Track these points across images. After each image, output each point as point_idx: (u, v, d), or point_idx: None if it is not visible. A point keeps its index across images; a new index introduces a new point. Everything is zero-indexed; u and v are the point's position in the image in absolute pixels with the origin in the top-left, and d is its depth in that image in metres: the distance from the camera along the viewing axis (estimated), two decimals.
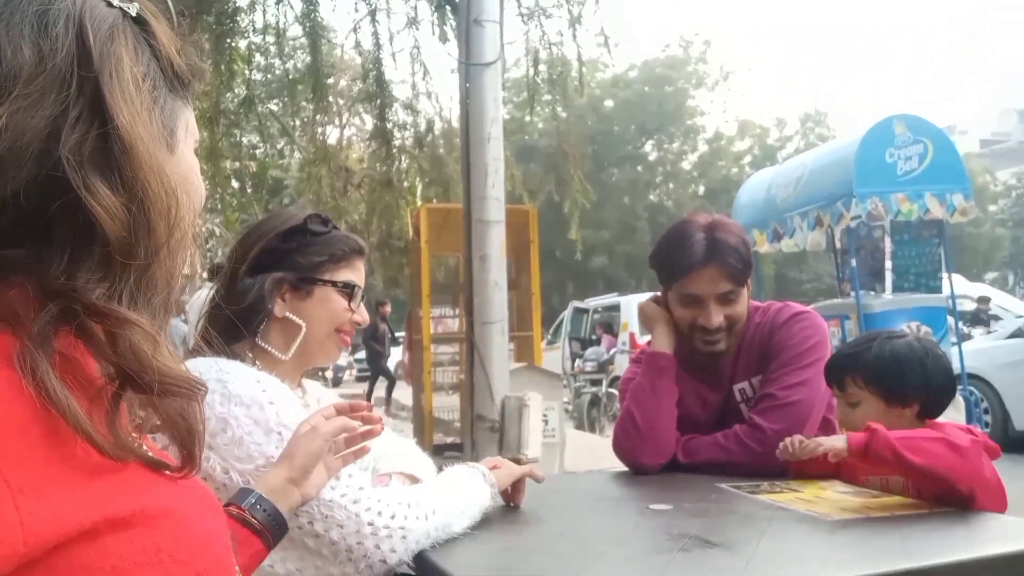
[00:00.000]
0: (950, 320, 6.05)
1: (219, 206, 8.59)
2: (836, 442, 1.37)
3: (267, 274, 1.29)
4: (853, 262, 6.08)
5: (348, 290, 1.34)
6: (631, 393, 1.86)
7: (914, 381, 1.46)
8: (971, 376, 6.62)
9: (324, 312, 1.32)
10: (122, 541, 0.49)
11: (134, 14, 0.58)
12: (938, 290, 6.20)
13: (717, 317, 1.74)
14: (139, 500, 0.52)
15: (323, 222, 1.36)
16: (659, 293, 1.91)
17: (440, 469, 1.43)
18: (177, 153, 0.61)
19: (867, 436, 1.34)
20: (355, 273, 1.37)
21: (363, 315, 1.38)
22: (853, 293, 5.98)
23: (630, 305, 11.59)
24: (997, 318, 10.37)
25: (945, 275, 6.28)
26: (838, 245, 6.79)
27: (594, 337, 12.13)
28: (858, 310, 5.80)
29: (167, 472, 0.56)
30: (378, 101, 6.64)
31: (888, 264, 6.28)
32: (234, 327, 1.27)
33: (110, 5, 0.57)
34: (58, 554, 0.47)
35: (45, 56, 0.52)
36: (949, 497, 1.32)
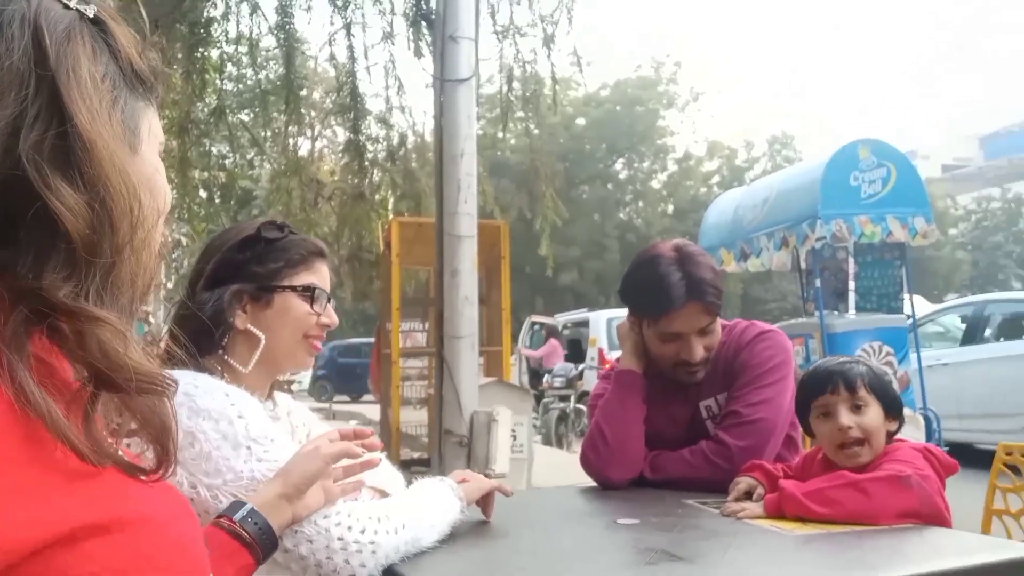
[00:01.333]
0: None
1: (186, 216, 8.49)
2: (755, 508, 1.41)
3: (226, 287, 1.28)
4: (817, 282, 6.18)
5: (309, 293, 1.32)
6: (600, 409, 1.88)
7: (898, 397, 1.51)
8: None
9: (288, 320, 1.31)
10: (100, 547, 0.49)
11: (91, 15, 0.58)
12: (899, 311, 6.33)
13: (699, 350, 1.77)
14: (117, 506, 0.52)
15: (278, 228, 1.35)
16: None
17: (409, 483, 1.43)
18: (140, 154, 0.61)
19: (778, 496, 1.39)
20: (315, 275, 1.35)
21: (331, 317, 1.36)
22: (817, 313, 6.08)
23: (599, 321, 11.66)
24: None
25: (907, 296, 6.41)
26: (803, 265, 6.91)
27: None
28: (822, 329, 5.90)
29: (144, 476, 0.56)
30: (351, 114, 6.64)
31: (851, 285, 6.40)
32: (196, 342, 1.26)
33: (66, 7, 0.57)
34: (36, 560, 0.46)
35: (1, 56, 0.53)
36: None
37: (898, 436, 1.53)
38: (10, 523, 0.45)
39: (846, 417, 1.44)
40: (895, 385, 1.54)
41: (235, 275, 1.30)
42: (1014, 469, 1.87)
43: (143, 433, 0.57)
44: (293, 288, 1.31)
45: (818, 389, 1.50)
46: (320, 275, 1.36)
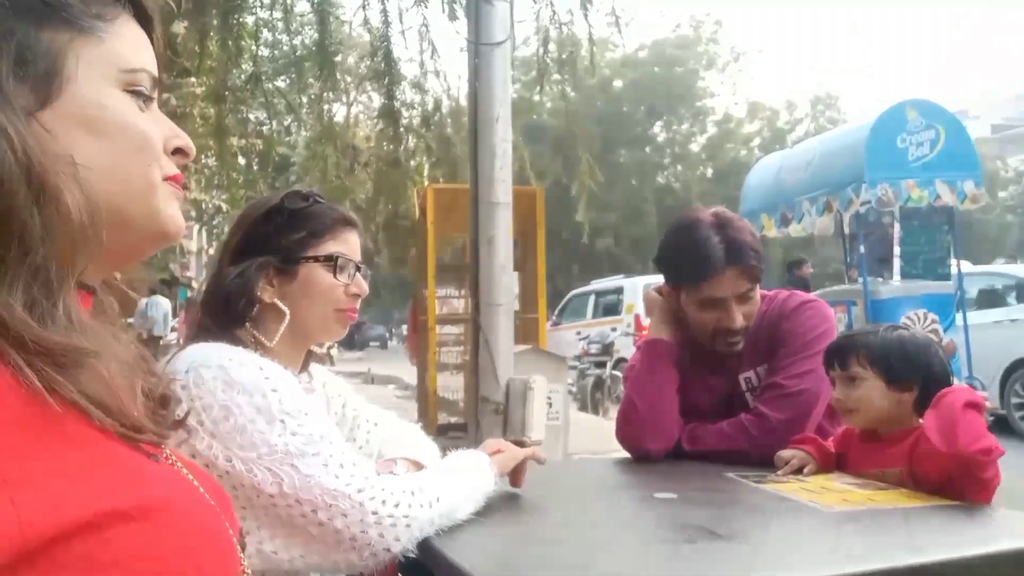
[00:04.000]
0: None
1: (224, 183, 8.57)
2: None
3: (252, 260, 1.27)
4: (861, 248, 6.05)
5: (332, 263, 1.30)
6: (631, 380, 1.86)
7: (917, 365, 1.47)
8: None
9: (314, 292, 1.29)
10: (123, 534, 0.49)
11: None
12: (947, 277, 6.16)
13: (738, 318, 1.73)
14: (139, 492, 0.51)
15: (303, 198, 1.32)
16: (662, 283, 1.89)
17: (445, 451, 1.42)
18: (66, 96, 0.54)
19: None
20: (342, 245, 1.32)
21: (360, 287, 1.33)
22: (860, 279, 5.95)
23: (635, 287, 11.58)
24: None
25: (954, 262, 6.24)
26: (846, 231, 6.76)
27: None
28: (865, 296, 5.78)
29: (159, 442, 0.55)
30: (386, 79, 6.58)
31: (896, 251, 6.24)
32: (226, 315, 1.26)
33: None
34: (58, 547, 0.46)
35: None
36: (945, 488, 1.32)
37: None
38: (29, 511, 0.45)
39: (838, 390, 1.54)
40: (923, 354, 1.48)
41: (261, 248, 1.29)
42: None
43: (100, 411, 0.51)
44: (316, 259, 1.29)
45: (826, 365, 1.59)
46: (347, 244, 1.33)
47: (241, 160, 9.24)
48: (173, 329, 11.76)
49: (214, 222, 14.46)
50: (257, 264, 1.28)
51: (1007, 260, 14.39)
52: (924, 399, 1.47)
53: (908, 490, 1.38)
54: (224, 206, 12.39)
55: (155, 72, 0.61)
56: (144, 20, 0.61)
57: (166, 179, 0.60)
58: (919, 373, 1.47)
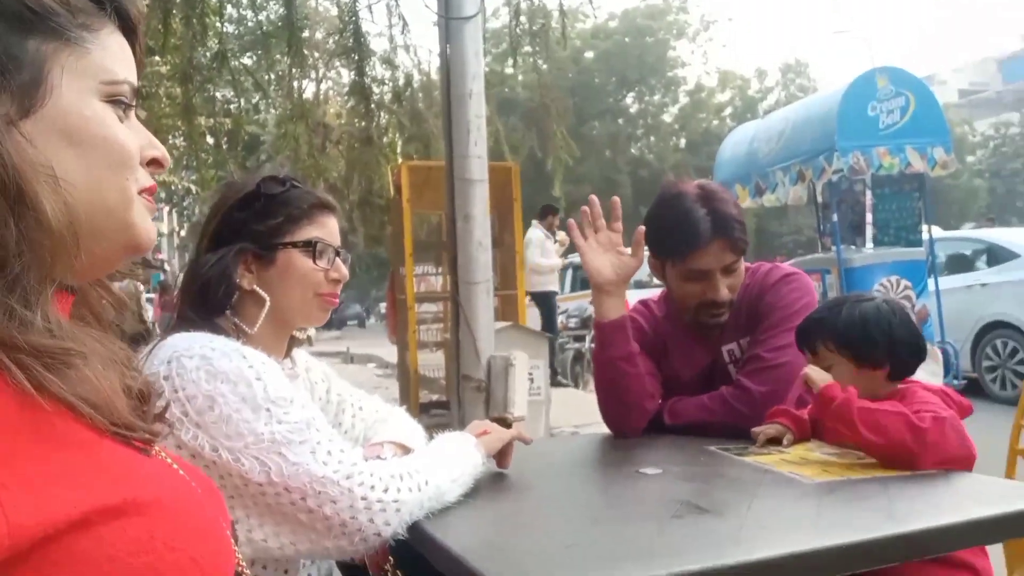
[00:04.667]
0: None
1: (195, 164, 8.43)
2: (817, 376, 1.43)
3: (230, 247, 1.26)
4: (834, 216, 6.11)
5: (311, 248, 1.29)
6: (595, 371, 1.87)
7: (881, 342, 1.47)
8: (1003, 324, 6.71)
9: (293, 278, 1.28)
10: (116, 530, 0.49)
11: None
12: (918, 244, 6.25)
13: (723, 290, 1.75)
14: (130, 488, 0.52)
15: (279, 182, 1.31)
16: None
17: (430, 431, 1.43)
18: (49, 106, 0.53)
19: (836, 395, 1.38)
20: (320, 229, 1.31)
21: (340, 271, 1.33)
22: (834, 247, 6.02)
23: None
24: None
25: (925, 227, 6.33)
26: (819, 199, 6.81)
27: None
28: (839, 264, 5.85)
29: (150, 441, 0.55)
30: (355, 55, 6.49)
31: (869, 218, 6.30)
32: (205, 303, 1.25)
33: None
34: (52, 545, 0.46)
35: None
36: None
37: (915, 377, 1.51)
38: (17, 511, 0.45)
39: (809, 370, 1.51)
40: (887, 327, 1.49)
41: (238, 234, 1.28)
42: None
43: (89, 409, 0.51)
44: (295, 244, 1.28)
45: (799, 344, 1.58)
46: (325, 228, 1.32)
47: (210, 140, 9.09)
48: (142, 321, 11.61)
49: (184, 203, 14.25)
50: (235, 251, 1.26)
51: (976, 224, 14.62)
52: (896, 369, 1.49)
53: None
54: (194, 187, 12.21)
55: (135, 82, 0.61)
56: (128, 29, 0.61)
57: (141, 191, 0.60)
58: (885, 349, 1.47)
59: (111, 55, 0.58)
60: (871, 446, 1.35)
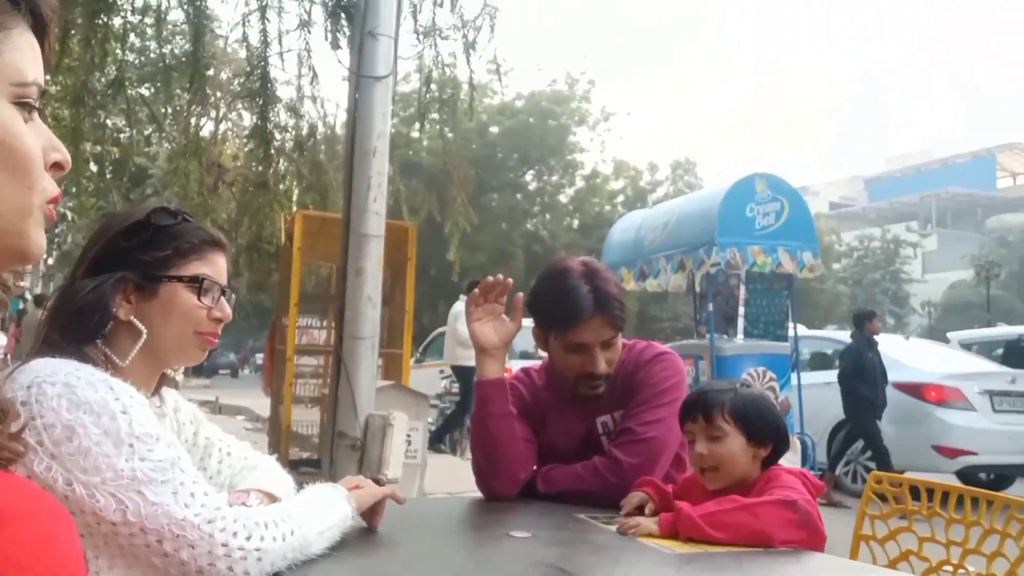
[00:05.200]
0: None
1: (74, 190, 8.01)
2: (650, 525, 1.43)
3: (110, 274, 1.21)
4: (710, 306, 6.45)
5: (197, 285, 1.26)
6: (471, 430, 1.91)
7: (771, 422, 1.56)
8: None
9: (174, 313, 1.24)
10: None
11: None
12: (784, 339, 6.66)
13: (601, 363, 1.81)
14: None
15: (171, 215, 1.28)
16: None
17: (299, 486, 1.39)
18: None
19: (674, 516, 1.41)
20: (208, 266, 1.28)
21: (224, 311, 1.29)
22: (708, 335, 6.33)
23: None
24: None
25: (791, 325, 6.76)
26: (697, 289, 7.18)
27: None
28: (712, 352, 6.14)
29: (13, 459, 0.53)
30: (260, 100, 6.41)
31: (741, 311, 6.69)
32: (76, 330, 1.19)
33: None
34: None
35: None
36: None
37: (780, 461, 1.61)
38: None
39: (700, 445, 1.53)
40: (774, 412, 1.60)
41: (120, 262, 1.23)
42: (882, 497, 1.99)
43: None
44: (180, 278, 1.25)
45: (683, 416, 1.59)
46: (214, 266, 1.29)
47: (94, 167, 8.68)
48: None
49: (56, 230, 13.43)
50: (115, 279, 1.21)
51: (838, 327, 15.72)
52: (775, 452, 1.58)
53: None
54: (70, 214, 11.55)
55: (43, 83, 0.59)
56: (38, 28, 0.60)
57: (48, 202, 0.58)
58: (772, 430, 1.56)
59: (21, 55, 0.57)
60: (725, 541, 1.40)
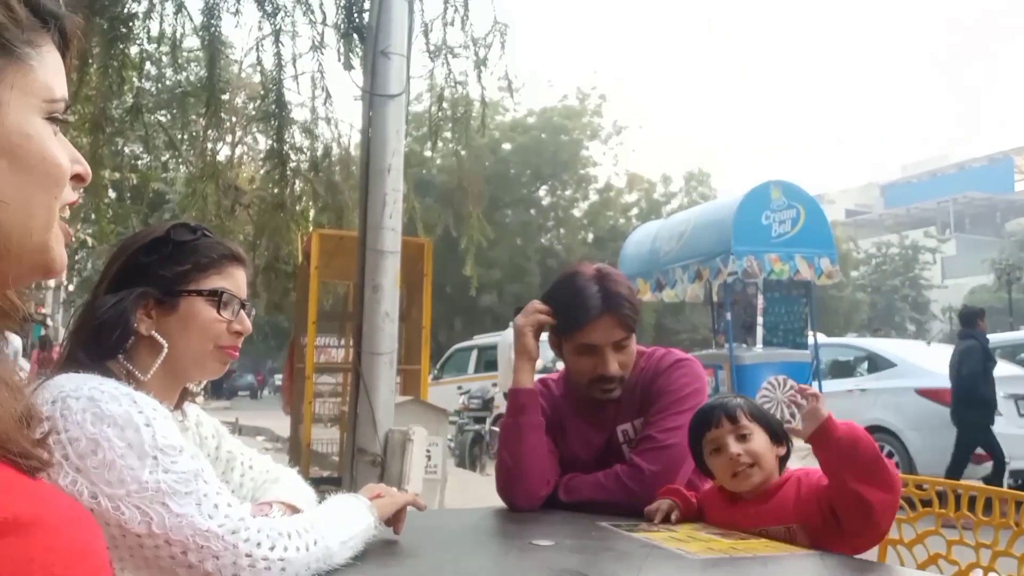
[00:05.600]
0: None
1: (94, 216, 8.12)
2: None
3: (130, 290, 1.23)
4: (728, 316, 6.41)
5: (216, 298, 1.26)
6: (500, 436, 1.91)
7: (782, 423, 1.57)
8: (879, 429, 7.07)
9: (194, 326, 1.25)
10: None
11: None
12: (804, 347, 6.60)
13: (613, 365, 1.81)
14: (9, 505, 0.49)
15: (190, 230, 1.29)
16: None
17: (320, 500, 1.39)
18: None
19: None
20: (227, 280, 1.29)
21: (243, 324, 1.29)
22: (727, 345, 6.29)
23: None
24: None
25: (810, 332, 6.70)
26: (715, 299, 7.15)
27: None
28: (731, 361, 6.10)
29: (43, 468, 0.53)
30: (275, 122, 6.49)
31: (759, 319, 6.65)
32: (98, 346, 1.21)
33: None
34: None
35: None
36: (840, 541, 1.42)
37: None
38: None
39: (734, 446, 1.55)
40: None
41: (140, 278, 1.24)
42: (908, 501, 1.96)
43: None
44: (199, 293, 1.26)
45: (704, 426, 1.60)
46: (233, 280, 1.30)
47: (112, 193, 8.80)
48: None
49: (76, 256, 13.60)
50: (136, 294, 1.23)
51: (858, 334, 15.56)
52: (788, 454, 1.59)
53: (774, 541, 1.47)
54: (89, 240, 11.70)
55: (67, 98, 0.61)
56: (63, 45, 0.62)
57: (66, 205, 0.60)
58: (784, 431, 1.58)
59: (51, 72, 0.58)
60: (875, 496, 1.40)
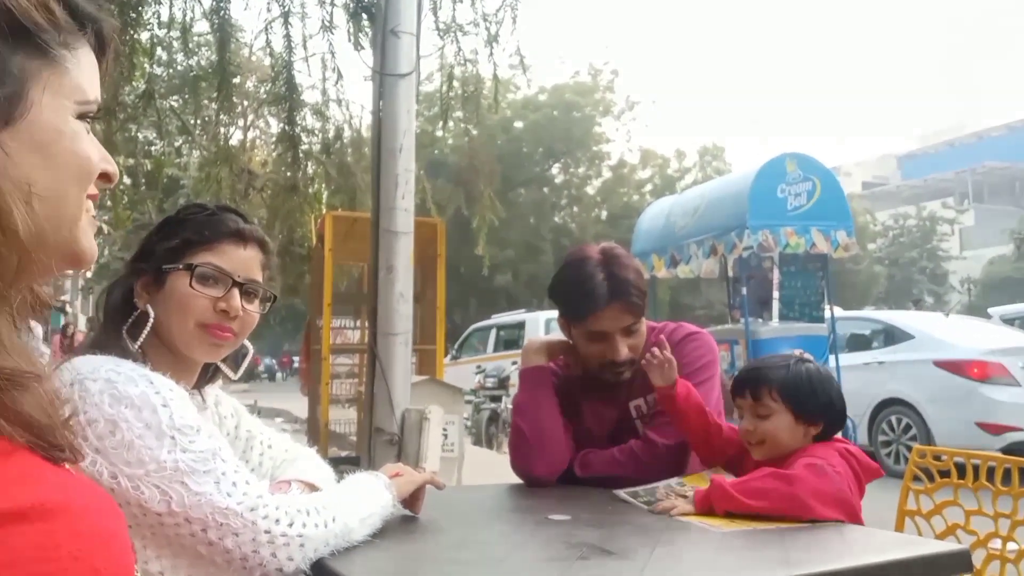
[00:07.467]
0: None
1: (109, 203, 8.17)
2: (685, 506, 1.44)
3: (132, 267, 1.25)
4: (743, 290, 6.37)
5: (190, 271, 1.21)
6: (515, 408, 1.92)
7: (823, 400, 1.57)
8: (897, 401, 7.03)
9: (173, 302, 1.22)
10: (16, 535, 0.47)
11: None
12: (820, 320, 6.56)
13: (623, 350, 1.80)
14: (36, 493, 0.50)
15: (200, 208, 1.29)
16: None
17: (339, 479, 1.40)
18: (27, 119, 0.54)
19: (707, 490, 1.42)
20: (219, 257, 1.24)
21: (229, 304, 1.23)
22: (742, 320, 6.26)
23: (536, 322, 11.77)
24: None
25: (827, 306, 6.65)
26: (730, 273, 7.10)
27: None
28: (746, 336, 6.07)
29: (66, 458, 0.54)
30: (286, 104, 6.48)
31: (775, 294, 6.60)
32: (110, 324, 1.22)
33: None
34: None
35: None
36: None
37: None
38: None
39: (748, 421, 1.60)
40: (827, 388, 1.59)
41: (147, 257, 1.26)
42: (926, 472, 1.95)
43: (31, 436, 0.51)
44: (180, 268, 1.22)
45: (734, 391, 1.64)
46: (227, 257, 1.25)
47: (127, 180, 8.84)
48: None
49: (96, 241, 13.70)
50: (131, 270, 1.25)
51: (875, 307, 15.44)
52: (826, 430, 1.57)
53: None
54: (105, 227, 11.78)
55: (100, 100, 0.62)
56: (99, 47, 0.62)
57: (88, 196, 0.61)
58: (824, 407, 1.57)
59: (85, 74, 0.59)
60: (762, 510, 1.39)
